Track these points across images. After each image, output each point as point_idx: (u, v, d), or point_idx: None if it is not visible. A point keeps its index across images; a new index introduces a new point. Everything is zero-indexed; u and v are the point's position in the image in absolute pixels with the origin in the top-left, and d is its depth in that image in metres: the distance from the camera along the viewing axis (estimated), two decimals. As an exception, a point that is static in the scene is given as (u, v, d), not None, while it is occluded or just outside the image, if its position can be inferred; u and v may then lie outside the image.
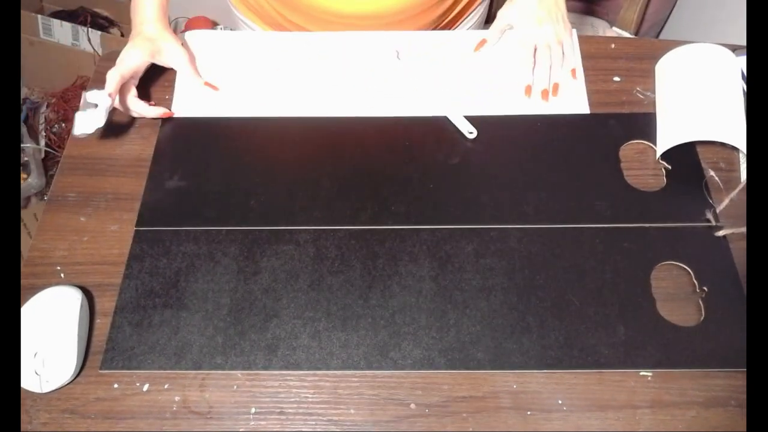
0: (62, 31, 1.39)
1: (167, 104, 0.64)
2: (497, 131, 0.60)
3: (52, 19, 1.39)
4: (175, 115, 0.63)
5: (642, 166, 0.58)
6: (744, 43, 0.56)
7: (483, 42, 0.67)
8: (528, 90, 0.63)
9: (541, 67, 0.64)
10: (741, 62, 0.60)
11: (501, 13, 0.67)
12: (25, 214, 1.26)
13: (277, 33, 0.70)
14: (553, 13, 0.64)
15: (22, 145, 1.28)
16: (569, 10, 0.66)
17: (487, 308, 0.50)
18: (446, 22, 0.75)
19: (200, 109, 0.63)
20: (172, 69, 0.65)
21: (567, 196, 0.56)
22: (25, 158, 1.28)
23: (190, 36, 0.68)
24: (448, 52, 0.66)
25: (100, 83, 0.66)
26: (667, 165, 0.58)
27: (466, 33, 0.69)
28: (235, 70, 0.66)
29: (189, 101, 0.64)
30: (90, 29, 1.39)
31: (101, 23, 1.45)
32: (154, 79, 0.66)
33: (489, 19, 0.82)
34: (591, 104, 0.62)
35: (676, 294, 0.51)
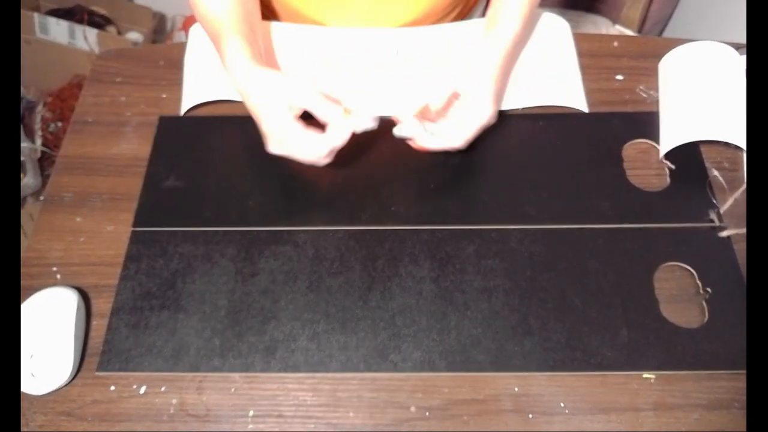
0: (58, 30, 1.38)
1: (164, 103, 0.63)
2: (498, 130, 0.60)
3: (48, 18, 1.38)
4: (184, 110, 0.62)
5: (645, 166, 0.58)
6: (747, 41, 0.56)
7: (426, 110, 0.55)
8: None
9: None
10: (744, 60, 0.59)
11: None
12: (21, 215, 1.25)
13: (295, 25, 0.69)
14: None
15: (18, 145, 1.27)
16: (572, 7, 0.65)
17: (488, 310, 0.49)
18: None
19: (209, 95, 0.62)
20: (166, 68, 0.64)
21: (569, 196, 0.56)
22: (22, 158, 1.27)
23: (195, 28, 0.67)
24: (446, 48, 0.66)
25: (96, 82, 0.66)
26: (670, 165, 0.57)
27: (459, 25, 0.68)
28: None
29: (197, 93, 0.62)
30: (86, 27, 1.38)
31: (98, 21, 1.44)
32: (150, 80, 0.65)
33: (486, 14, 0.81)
34: (593, 103, 0.62)
35: (679, 295, 0.50)
